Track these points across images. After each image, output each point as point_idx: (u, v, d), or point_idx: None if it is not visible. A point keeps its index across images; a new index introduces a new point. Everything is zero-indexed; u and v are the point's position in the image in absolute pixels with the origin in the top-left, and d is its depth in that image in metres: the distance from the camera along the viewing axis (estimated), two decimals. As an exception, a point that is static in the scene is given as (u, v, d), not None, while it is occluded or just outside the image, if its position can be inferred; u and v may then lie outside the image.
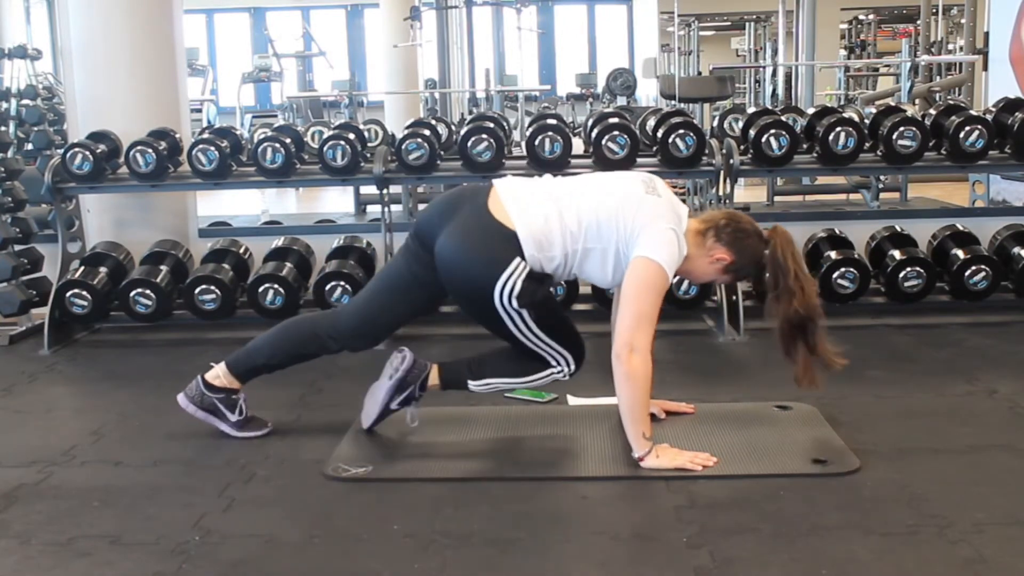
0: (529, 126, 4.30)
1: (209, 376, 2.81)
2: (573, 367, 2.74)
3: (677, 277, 2.81)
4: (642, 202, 2.60)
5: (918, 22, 12.13)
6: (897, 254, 4.02)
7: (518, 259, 2.58)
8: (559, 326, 2.72)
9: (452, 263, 2.64)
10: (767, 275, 2.63)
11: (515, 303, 2.58)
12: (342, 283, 3.93)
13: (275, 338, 2.84)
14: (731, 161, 3.97)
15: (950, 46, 12.24)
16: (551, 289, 2.83)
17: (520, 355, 2.73)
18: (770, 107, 6.54)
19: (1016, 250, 4.07)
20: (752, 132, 4.03)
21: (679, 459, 2.52)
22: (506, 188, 2.67)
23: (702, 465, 2.51)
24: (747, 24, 16.68)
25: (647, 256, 2.52)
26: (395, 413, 2.80)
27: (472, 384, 2.79)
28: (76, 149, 4.05)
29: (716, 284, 2.85)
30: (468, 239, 2.63)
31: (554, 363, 2.72)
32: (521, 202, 2.63)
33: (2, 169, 4.35)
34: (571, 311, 4.01)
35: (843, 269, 3.94)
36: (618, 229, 2.57)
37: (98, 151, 4.08)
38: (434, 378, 2.80)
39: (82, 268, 4.07)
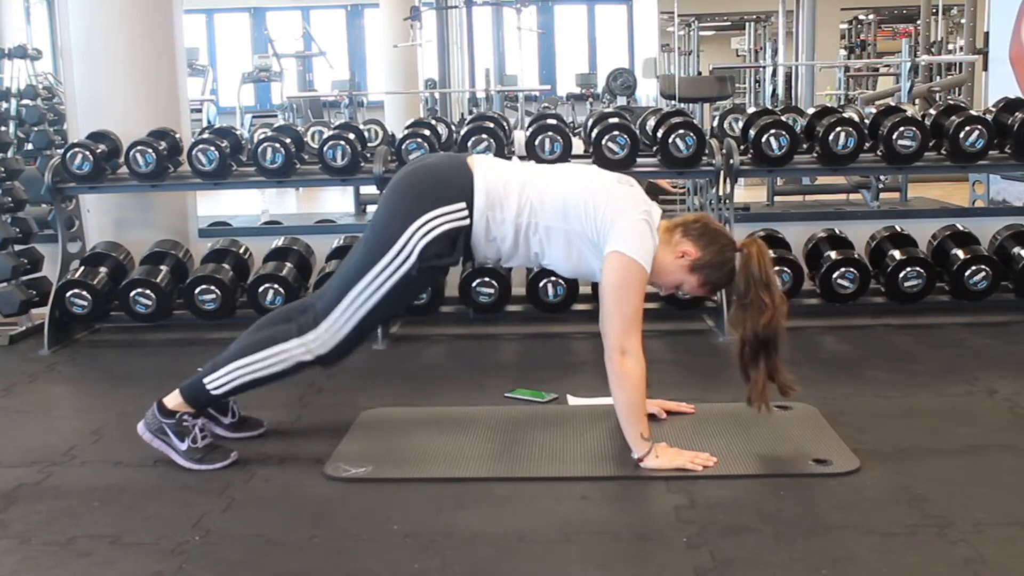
0: (529, 126, 4.30)
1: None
2: (322, 353, 2.58)
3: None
4: (612, 191, 2.58)
5: (918, 22, 12.12)
6: (897, 254, 4.02)
7: (463, 203, 2.53)
8: (387, 309, 2.59)
9: (399, 179, 2.62)
10: (738, 284, 2.54)
11: (419, 247, 2.49)
12: (342, 283, 3.92)
13: (251, 337, 2.74)
14: (731, 161, 3.97)
15: (950, 46, 12.22)
16: (441, 276, 2.65)
17: (259, 330, 2.62)
18: (770, 107, 6.53)
19: (1016, 250, 4.07)
20: (752, 132, 4.03)
21: (679, 459, 2.52)
22: (482, 155, 2.70)
23: (702, 465, 2.50)
24: (747, 24, 16.66)
25: (622, 252, 2.48)
26: (203, 431, 2.65)
27: (210, 381, 2.60)
28: (76, 149, 4.05)
29: (687, 293, 2.70)
30: (428, 167, 2.64)
31: (310, 333, 2.55)
32: (491, 164, 2.65)
33: (2, 169, 4.34)
34: (571, 311, 4.02)
35: (843, 269, 3.94)
36: (586, 215, 2.53)
37: (98, 151, 4.08)
38: (176, 400, 2.63)
39: (82, 268, 4.07)
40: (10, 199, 4.32)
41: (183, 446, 2.62)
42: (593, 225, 2.54)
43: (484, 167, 2.62)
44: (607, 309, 2.52)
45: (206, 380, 2.63)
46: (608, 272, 2.52)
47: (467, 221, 2.55)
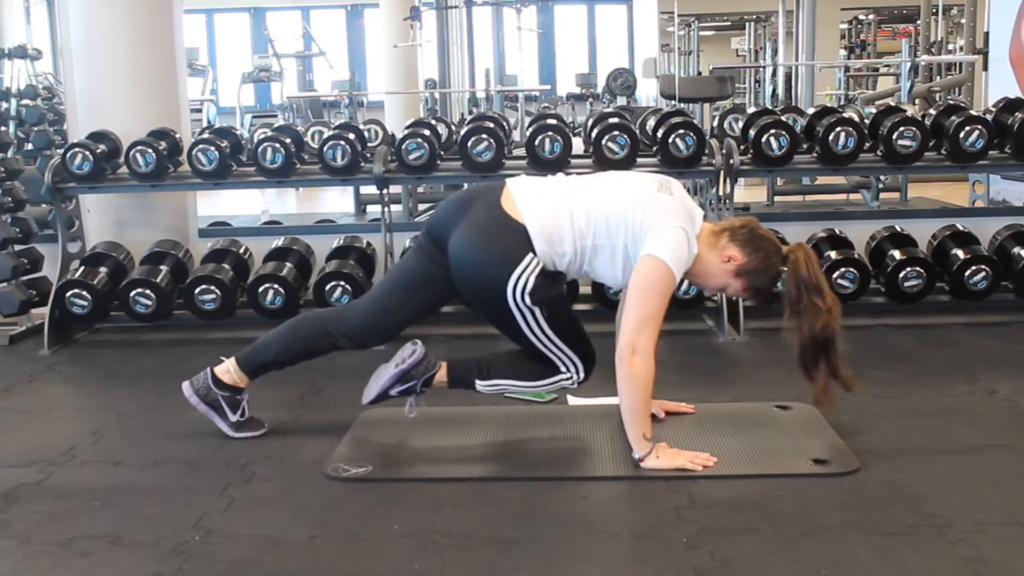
0: (529, 126, 4.30)
1: (219, 370, 2.81)
2: (583, 374, 2.73)
3: (689, 285, 2.78)
4: (651, 200, 2.59)
5: (918, 22, 12.12)
6: (897, 254, 4.02)
7: (530, 255, 2.58)
8: (571, 329, 2.70)
9: (465, 260, 2.64)
10: (790, 290, 2.56)
11: (528, 300, 2.57)
12: (342, 283, 3.93)
13: (285, 334, 2.84)
14: (731, 161, 3.97)
15: (950, 46, 12.23)
16: (563, 288, 2.81)
17: (530, 357, 2.72)
18: (770, 107, 6.54)
19: (1016, 250, 4.07)
20: (752, 132, 4.03)
21: (679, 459, 2.52)
22: (518, 186, 2.69)
23: (702, 465, 2.50)
24: (747, 24, 16.68)
25: (654, 255, 2.51)
26: (395, 399, 2.78)
27: (480, 384, 2.78)
28: (76, 149, 4.05)
29: (730, 295, 2.74)
30: (481, 236, 2.63)
31: (564, 368, 2.71)
32: (532, 198, 2.65)
33: (2, 169, 4.34)
34: (571, 311, 4.01)
35: (843, 269, 3.94)
36: (627, 226, 2.56)
37: (98, 151, 4.08)
38: (442, 376, 2.78)
39: (82, 268, 4.08)
40: (10, 199, 4.32)
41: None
42: (632, 235, 2.56)
43: (529, 209, 2.61)
44: (628, 306, 2.54)
45: (479, 382, 2.77)
46: (637, 272, 2.54)
47: (540, 265, 2.60)
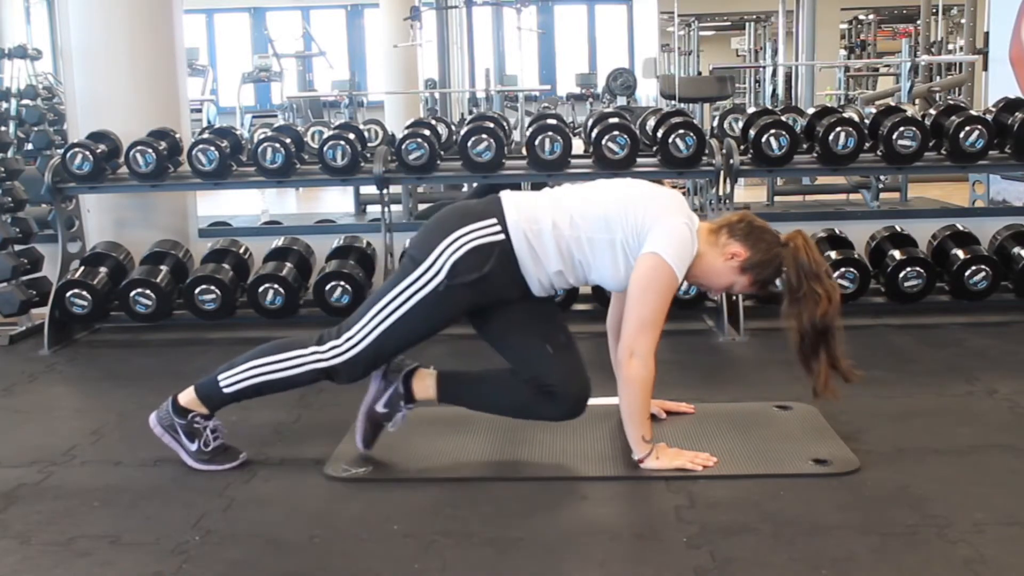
0: (529, 126, 4.30)
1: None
2: (335, 364, 2.53)
3: (689, 285, 2.68)
4: (655, 194, 2.55)
5: (918, 22, 12.13)
6: (897, 254, 4.02)
7: (493, 219, 2.48)
8: (404, 330, 2.53)
9: (435, 216, 2.60)
10: (786, 277, 2.50)
11: (449, 263, 2.44)
12: (342, 283, 3.93)
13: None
14: (731, 161, 3.97)
15: (950, 46, 12.23)
16: (464, 301, 2.53)
17: (274, 344, 2.61)
18: (770, 107, 6.54)
19: (1016, 250, 4.07)
20: (752, 132, 4.03)
21: (679, 459, 2.52)
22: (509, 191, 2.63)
23: (702, 465, 2.50)
24: (747, 24, 16.68)
25: (656, 253, 2.43)
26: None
27: (224, 379, 2.57)
28: (76, 149, 4.05)
29: (736, 292, 2.64)
30: (459, 206, 2.60)
31: (329, 343, 2.53)
32: (515, 193, 2.61)
33: (2, 169, 4.34)
34: (570, 311, 4.02)
35: (843, 269, 3.94)
36: (627, 220, 2.47)
37: (98, 151, 4.08)
38: (188, 398, 2.61)
39: (82, 268, 4.08)
40: (10, 199, 4.32)
41: (192, 447, 2.61)
42: (634, 229, 2.47)
43: (510, 196, 2.56)
44: (628, 307, 2.48)
45: (220, 378, 2.59)
46: (637, 271, 2.46)
47: (500, 236, 2.47)
